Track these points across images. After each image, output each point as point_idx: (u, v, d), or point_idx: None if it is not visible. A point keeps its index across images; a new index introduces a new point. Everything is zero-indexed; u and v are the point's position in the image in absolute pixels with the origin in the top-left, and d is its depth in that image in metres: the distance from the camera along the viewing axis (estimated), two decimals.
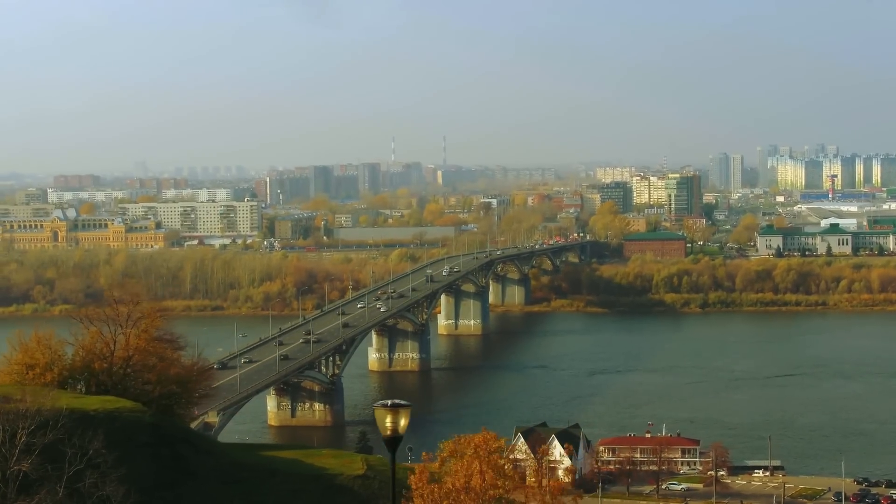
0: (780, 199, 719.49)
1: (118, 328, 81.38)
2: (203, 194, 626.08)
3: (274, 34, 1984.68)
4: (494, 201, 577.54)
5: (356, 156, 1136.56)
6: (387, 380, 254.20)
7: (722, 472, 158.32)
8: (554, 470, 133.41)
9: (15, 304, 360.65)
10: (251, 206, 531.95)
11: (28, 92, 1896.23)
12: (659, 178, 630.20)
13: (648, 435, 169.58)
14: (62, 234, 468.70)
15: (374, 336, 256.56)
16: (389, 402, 28.05)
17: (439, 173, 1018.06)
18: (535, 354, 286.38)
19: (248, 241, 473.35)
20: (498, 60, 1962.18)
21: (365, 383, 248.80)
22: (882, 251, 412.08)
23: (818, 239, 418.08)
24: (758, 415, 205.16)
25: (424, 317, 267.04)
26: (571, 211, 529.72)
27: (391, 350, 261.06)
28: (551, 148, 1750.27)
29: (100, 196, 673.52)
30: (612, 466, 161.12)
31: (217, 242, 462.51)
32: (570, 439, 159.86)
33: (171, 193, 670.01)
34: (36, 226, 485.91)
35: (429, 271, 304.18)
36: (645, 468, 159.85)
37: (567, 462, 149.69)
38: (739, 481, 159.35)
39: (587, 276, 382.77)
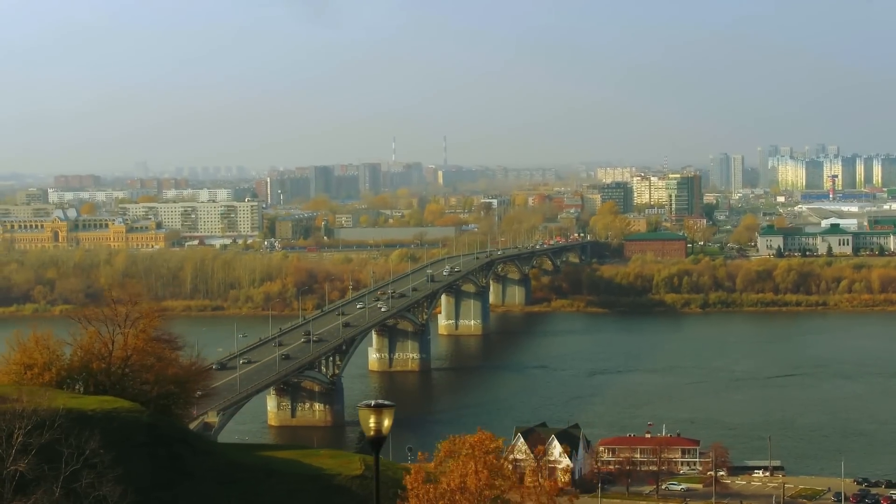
0: (781, 199, 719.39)
1: (116, 328, 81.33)
2: (204, 194, 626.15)
3: (274, 34, 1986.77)
4: (495, 201, 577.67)
5: (357, 156, 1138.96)
6: (387, 380, 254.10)
7: (721, 473, 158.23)
8: (553, 470, 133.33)
9: (15, 305, 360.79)
10: (252, 206, 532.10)
11: (29, 92, 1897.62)
12: (659, 179, 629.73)
13: (648, 435, 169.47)
14: (63, 234, 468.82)
15: (374, 336, 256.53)
16: (373, 402, 27.91)
17: (440, 173, 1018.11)
18: (536, 354, 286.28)
19: (249, 241, 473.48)
20: (498, 60, 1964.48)
21: (365, 383, 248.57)
22: (882, 251, 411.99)
23: (819, 239, 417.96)
24: (758, 415, 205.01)
25: (425, 317, 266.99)
26: (572, 211, 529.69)
27: (391, 350, 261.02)
28: (552, 148, 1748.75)
29: (100, 196, 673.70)
30: (611, 467, 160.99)
31: (217, 242, 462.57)
32: (569, 439, 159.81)
33: (171, 193, 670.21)
34: (36, 226, 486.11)
35: (429, 271, 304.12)
36: (645, 468, 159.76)
37: (565, 462, 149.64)
38: (739, 481, 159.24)
39: (587, 276, 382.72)
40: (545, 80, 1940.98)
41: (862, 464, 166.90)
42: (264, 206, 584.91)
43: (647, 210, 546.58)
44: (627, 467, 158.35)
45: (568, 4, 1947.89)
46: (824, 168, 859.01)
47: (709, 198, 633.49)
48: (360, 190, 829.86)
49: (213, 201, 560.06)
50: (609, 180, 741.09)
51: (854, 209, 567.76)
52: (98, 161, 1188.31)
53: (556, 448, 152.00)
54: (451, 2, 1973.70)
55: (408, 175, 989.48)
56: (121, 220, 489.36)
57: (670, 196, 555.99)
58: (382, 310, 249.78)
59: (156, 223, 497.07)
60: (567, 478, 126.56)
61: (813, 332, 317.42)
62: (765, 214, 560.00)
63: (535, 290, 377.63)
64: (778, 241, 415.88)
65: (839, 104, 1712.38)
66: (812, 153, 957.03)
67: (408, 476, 46.47)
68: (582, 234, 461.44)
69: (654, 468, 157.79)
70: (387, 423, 27.90)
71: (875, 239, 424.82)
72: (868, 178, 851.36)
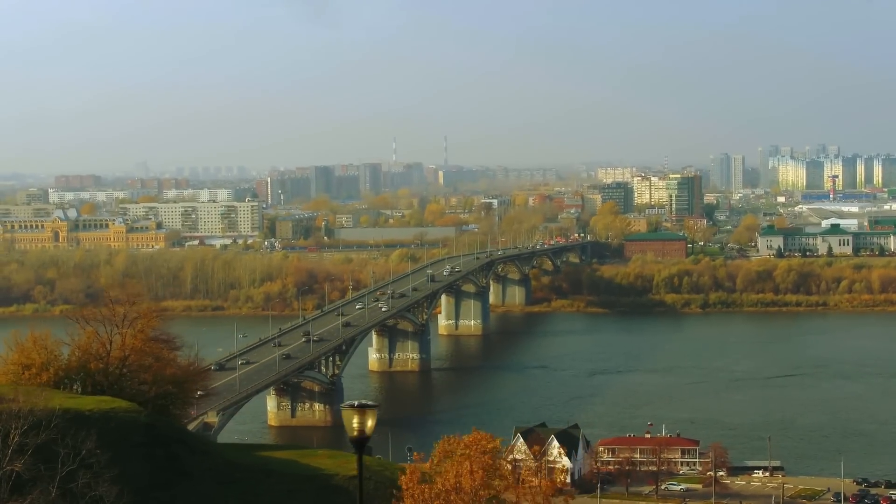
0: (781, 199, 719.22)
1: (114, 328, 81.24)
2: (204, 194, 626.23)
3: (275, 34, 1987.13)
4: (495, 201, 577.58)
5: (357, 156, 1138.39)
6: (387, 380, 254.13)
7: (721, 473, 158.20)
8: (550, 470, 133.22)
9: (16, 305, 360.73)
10: (252, 206, 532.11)
11: (29, 92, 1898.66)
12: (660, 179, 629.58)
13: (648, 435, 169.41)
14: (63, 234, 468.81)
15: (374, 336, 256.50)
16: (356, 402, 27.78)
17: (440, 173, 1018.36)
18: (536, 355, 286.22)
19: (249, 241, 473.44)
20: (499, 61, 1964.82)
21: (365, 383, 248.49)
22: (883, 252, 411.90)
23: (819, 239, 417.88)
24: (758, 415, 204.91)
25: (425, 317, 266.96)
26: (572, 211, 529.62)
27: (391, 350, 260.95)
28: (552, 148, 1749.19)
29: (101, 196, 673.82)
30: (611, 467, 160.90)
31: (218, 243, 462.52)
32: (569, 440, 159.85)
33: (172, 194, 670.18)
34: (37, 226, 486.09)
35: (429, 271, 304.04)
36: (644, 469, 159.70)
37: (562, 462, 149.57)
38: (739, 482, 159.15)
39: (588, 276, 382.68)
40: (545, 80, 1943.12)
41: (862, 464, 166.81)
42: (265, 206, 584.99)
43: (647, 210, 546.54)
44: (627, 467, 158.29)
45: (568, 4, 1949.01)
46: (825, 168, 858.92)
47: (709, 198, 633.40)
48: (360, 190, 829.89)
49: (214, 201, 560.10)
50: (609, 180, 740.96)
51: (854, 209, 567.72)
52: (98, 161, 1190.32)
53: (555, 448, 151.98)
54: (452, 2, 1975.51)
55: (408, 175, 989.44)
56: (121, 220, 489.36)
57: (671, 196, 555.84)
58: (383, 309, 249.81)
59: (156, 223, 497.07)
60: (563, 477, 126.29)
61: (813, 333, 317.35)
62: (765, 214, 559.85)
63: (535, 291, 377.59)
64: (778, 242, 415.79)
65: (840, 104, 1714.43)
66: (812, 153, 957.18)
67: (403, 476, 46.46)
68: (582, 235, 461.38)
69: (654, 468, 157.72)
70: (370, 423, 27.73)
71: (875, 239, 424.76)
72: (868, 178, 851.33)
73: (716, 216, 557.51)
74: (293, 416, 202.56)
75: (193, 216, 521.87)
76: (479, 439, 51.84)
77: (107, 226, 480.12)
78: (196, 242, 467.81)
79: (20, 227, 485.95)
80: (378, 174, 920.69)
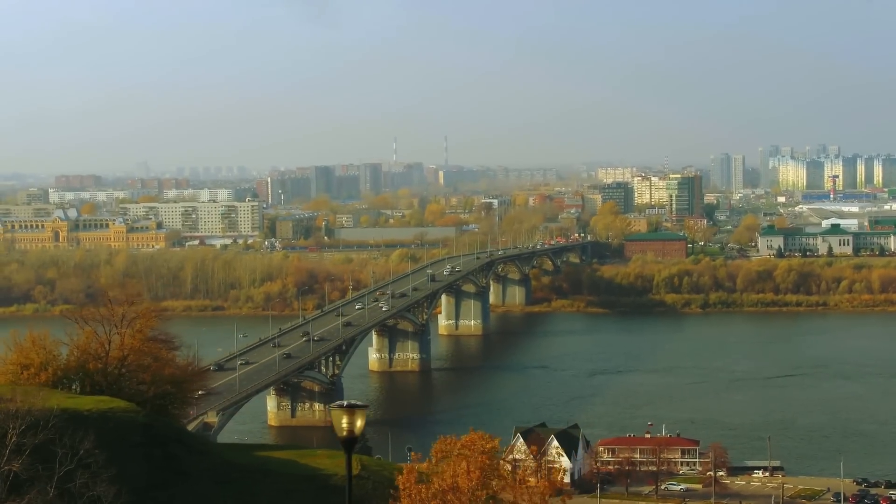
0: (782, 199, 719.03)
1: (113, 328, 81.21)
2: (204, 194, 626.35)
3: (275, 35, 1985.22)
4: (496, 201, 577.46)
5: (358, 156, 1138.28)
6: (387, 380, 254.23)
7: (721, 473, 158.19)
8: (549, 470, 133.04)
9: (16, 305, 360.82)
10: (252, 206, 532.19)
11: (30, 92, 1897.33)
12: (660, 179, 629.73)
13: (648, 435, 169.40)
14: (63, 234, 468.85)
15: (374, 336, 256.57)
16: (345, 402, 27.71)
17: (441, 173, 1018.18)
18: (536, 355, 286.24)
19: (250, 241, 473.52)
20: (499, 61, 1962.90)
21: (365, 383, 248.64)
22: (883, 252, 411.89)
23: (819, 239, 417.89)
24: (758, 415, 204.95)
25: (425, 317, 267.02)
26: (572, 211, 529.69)
27: (391, 350, 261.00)
28: (553, 148, 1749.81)
29: (101, 196, 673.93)
30: (611, 467, 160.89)
31: (218, 243, 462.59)
32: (569, 440, 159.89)
33: (172, 193, 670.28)
34: (37, 226, 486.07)
35: (429, 271, 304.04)
36: (644, 469, 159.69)
37: (560, 462, 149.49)
38: (739, 482, 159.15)
39: (588, 276, 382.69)
40: (546, 80, 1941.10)
41: (862, 464, 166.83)
42: (265, 206, 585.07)
43: (647, 210, 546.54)
44: (627, 467, 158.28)
45: (568, 4, 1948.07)
46: (825, 168, 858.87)
47: (709, 198, 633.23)
48: (360, 190, 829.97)
49: (214, 201, 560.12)
50: (610, 180, 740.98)
51: (855, 209, 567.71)
52: (99, 161, 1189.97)
53: (555, 448, 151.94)
54: (452, 2, 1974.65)
55: (409, 175, 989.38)
56: (121, 220, 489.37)
57: (671, 196, 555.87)
58: (384, 309, 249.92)
59: (156, 223, 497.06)
60: (560, 477, 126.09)
61: (813, 333, 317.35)
62: (765, 215, 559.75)
63: (535, 291, 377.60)
64: (778, 242, 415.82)
65: (840, 104, 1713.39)
66: (813, 153, 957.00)
67: (400, 476, 46.43)
68: (582, 235, 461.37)
69: (654, 468, 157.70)
70: (359, 423, 27.70)
71: (875, 239, 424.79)
72: (869, 178, 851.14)
73: (716, 216, 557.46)
74: (293, 416, 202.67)
75: (194, 216, 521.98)
76: (476, 439, 51.82)
77: (107, 226, 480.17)
78: (196, 242, 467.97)
79: (20, 226, 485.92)
80: (378, 174, 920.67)
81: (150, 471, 67.45)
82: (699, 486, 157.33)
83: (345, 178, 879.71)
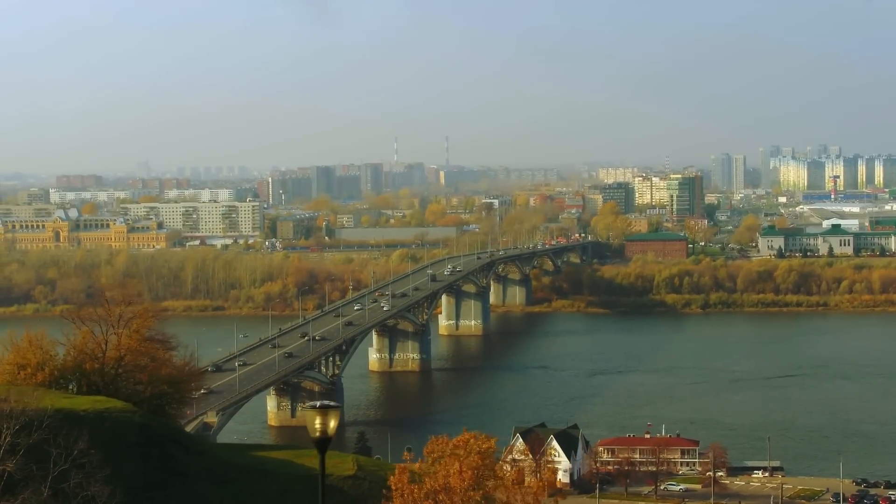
0: (783, 199, 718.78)
1: (110, 328, 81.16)
2: (205, 194, 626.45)
3: (276, 35, 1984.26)
4: (496, 202, 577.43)
5: (358, 156, 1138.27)
6: (387, 380, 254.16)
7: (720, 473, 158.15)
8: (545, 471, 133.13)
9: (16, 305, 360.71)
10: (253, 206, 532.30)
11: (31, 92, 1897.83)
12: (661, 179, 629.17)
13: (647, 435, 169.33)
14: (64, 234, 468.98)
15: (374, 336, 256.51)
16: (318, 403, 27.74)
17: (441, 174, 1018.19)
18: (536, 355, 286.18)
19: (250, 241, 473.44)
20: (500, 61, 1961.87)
21: (365, 384, 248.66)
22: (884, 252, 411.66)
23: (820, 240, 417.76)
24: (758, 415, 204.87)
25: (425, 317, 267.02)
26: (573, 211, 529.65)
27: (392, 350, 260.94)
28: (554, 148, 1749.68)
29: (102, 196, 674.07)
30: (610, 467, 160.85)
31: (219, 243, 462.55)
32: (568, 440, 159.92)
33: (173, 194, 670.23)
34: (38, 226, 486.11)
35: (429, 271, 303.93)
36: (643, 469, 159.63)
37: (562, 462, 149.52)
38: (738, 482, 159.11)
39: (588, 276, 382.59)
40: (547, 81, 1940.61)
41: (861, 464, 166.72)
42: (266, 206, 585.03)
43: (648, 210, 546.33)
44: (626, 468, 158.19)
45: (569, 5, 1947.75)
46: (826, 168, 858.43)
47: (710, 198, 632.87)
48: (361, 190, 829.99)
49: (215, 201, 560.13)
50: (610, 180, 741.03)
51: (856, 210, 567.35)
52: (100, 161, 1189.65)
53: (554, 448, 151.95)
54: (453, 2, 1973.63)
55: (409, 175, 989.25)
56: (122, 220, 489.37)
57: (672, 196, 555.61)
58: (385, 309, 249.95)
59: (157, 223, 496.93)
60: (553, 477, 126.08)
61: (813, 333, 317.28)
62: (766, 215, 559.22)
63: (535, 291, 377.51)
64: (779, 242, 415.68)
65: (841, 104, 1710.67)
66: (814, 153, 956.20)
67: (392, 476, 46.41)
68: (583, 235, 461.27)
69: (653, 469, 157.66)
70: (332, 424, 27.73)
71: (876, 239, 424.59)
72: (870, 178, 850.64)
73: (717, 216, 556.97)
74: (293, 416, 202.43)
75: (194, 216, 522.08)
76: (468, 440, 51.77)
77: (108, 226, 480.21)
78: (197, 242, 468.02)
79: (21, 226, 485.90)
80: (379, 174, 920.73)
81: (146, 471, 67.41)
82: (698, 487, 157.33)
83: (346, 179, 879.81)
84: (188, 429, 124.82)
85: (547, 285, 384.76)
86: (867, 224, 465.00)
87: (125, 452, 65.19)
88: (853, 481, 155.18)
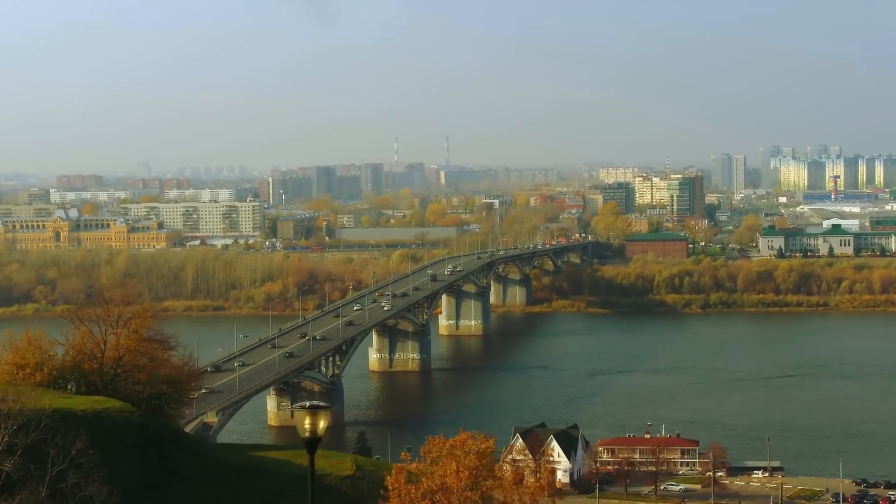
0: (783, 199, 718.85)
1: (109, 328, 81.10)
2: (206, 194, 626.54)
3: (277, 35, 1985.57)
4: (497, 202, 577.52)
5: (359, 156, 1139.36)
6: (387, 380, 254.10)
7: (720, 473, 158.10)
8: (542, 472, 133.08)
9: (17, 304, 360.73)
10: (253, 206, 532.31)
11: (31, 92, 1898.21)
12: (661, 179, 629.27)
13: (647, 435, 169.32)
14: (64, 234, 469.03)
15: (374, 336, 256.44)
16: (307, 403, 27.76)
17: (442, 174, 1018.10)
18: (536, 355, 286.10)
19: (250, 241, 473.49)
20: (501, 61, 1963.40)
21: (365, 384, 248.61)
22: (884, 252, 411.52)
23: (820, 240, 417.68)
24: (758, 415, 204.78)
25: (425, 317, 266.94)
26: (573, 211, 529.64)
27: (392, 350, 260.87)
28: (554, 148, 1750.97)
29: (102, 196, 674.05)
30: (610, 467, 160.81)
31: (219, 243, 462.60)
32: (568, 440, 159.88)
33: (173, 194, 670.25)
34: (38, 226, 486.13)
35: (430, 271, 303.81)
36: (643, 469, 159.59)
37: (562, 462, 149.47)
38: (738, 482, 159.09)
39: (589, 276, 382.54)
40: (547, 81, 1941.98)
41: (861, 464, 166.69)
42: (266, 206, 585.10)
43: (648, 210, 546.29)
44: (626, 468, 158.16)
45: (570, 5, 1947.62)
46: (826, 168, 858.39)
47: (710, 198, 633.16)
48: (361, 190, 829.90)
49: (215, 201, 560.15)
50: (611, 180, 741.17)
51: (856, 210, 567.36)
52: (100, 161, 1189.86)
53: (554, 448, 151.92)
54: (453, 2, 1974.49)
55: (410, 175, 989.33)
56: (122, 220, 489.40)
57: (672, 196, 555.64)
58: (385, 309, 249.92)
59: (157, 223, 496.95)
60: (550, 477, 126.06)
61: (814, 333, 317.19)
62: (766, 215, 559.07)
63: (536, 291, 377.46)
64: (779, 242, 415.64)
65: (841, 104, 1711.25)
66: (814, 154, 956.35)
67: (388, 476, 46.36)
68: (583, 235, 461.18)
69: (653, 469, 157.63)
70: (322, 424, 27.71)
71: (877, 240, 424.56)
72: (870, 178, 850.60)
73: (717, 216, 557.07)
74: (293, 416, 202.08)
75: (195, 216, 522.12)
76: (466, 440, 51.70)
77: (108, 226, 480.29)
78: (197, 242, 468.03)
79: (21, 226, 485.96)
80: (380, 174, 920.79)
81: (144, 471, 67.38)
82: (698, 487, 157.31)
83: (346, 178, 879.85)
84: (188, 429, 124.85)
85: (547, 285, 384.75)
86: (867, 224, 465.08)
87: (123, 452, 65.17)
88: (853, 481, 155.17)
